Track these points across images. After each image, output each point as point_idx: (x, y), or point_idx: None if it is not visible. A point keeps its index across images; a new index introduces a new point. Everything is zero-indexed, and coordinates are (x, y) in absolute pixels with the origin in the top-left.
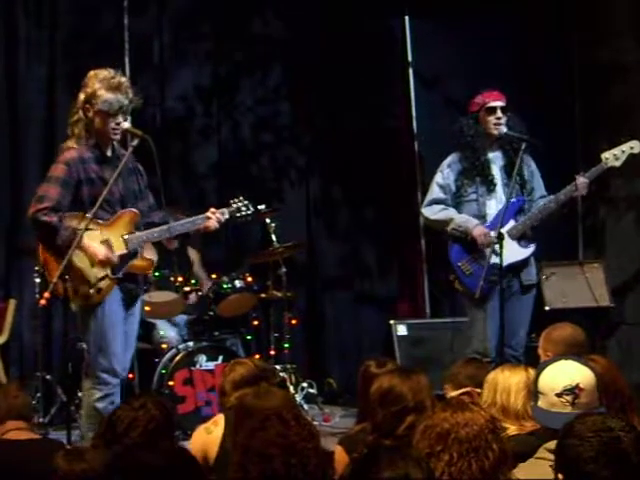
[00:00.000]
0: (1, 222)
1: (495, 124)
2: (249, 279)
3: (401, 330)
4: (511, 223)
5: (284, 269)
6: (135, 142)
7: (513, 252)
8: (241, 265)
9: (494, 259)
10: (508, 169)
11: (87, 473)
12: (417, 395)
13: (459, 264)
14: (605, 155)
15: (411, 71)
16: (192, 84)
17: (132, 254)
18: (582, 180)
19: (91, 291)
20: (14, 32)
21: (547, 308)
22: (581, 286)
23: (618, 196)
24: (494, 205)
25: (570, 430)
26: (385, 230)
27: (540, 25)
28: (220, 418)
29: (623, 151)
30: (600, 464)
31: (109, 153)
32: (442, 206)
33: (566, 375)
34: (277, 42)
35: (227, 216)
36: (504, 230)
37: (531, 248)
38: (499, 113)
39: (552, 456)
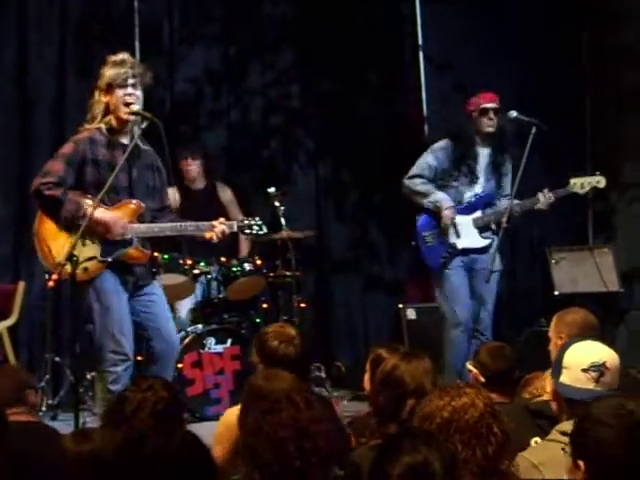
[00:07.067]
0: (10, 204)
1: (487, 125)
2: (258, 262)
3: (410, 314)
4: (478, 213)
5: (293, 252)
6: (144, 124)
7: (472, 238)
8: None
9: (453, 239)
10: (492, 166)
11: (95, 454)
12: (416, 380)
13: (424, 234)
14: (573, 181)
15: (421, 55)
16: (202, 67)
17: (127, 242)
18: (547, 196)
19: (77, 270)
20: (25, 13)
21: (556, 293)
22: (590, 271)
23: (629, 182)
24: (470, 196)
25: (589, 415)
26: (394, 213)
27: (553, 9)
28: None
29: (589, 182)
30: (626, 449)
31: (125, 141)
32: (424, 180)
33: (594, 352)
34: (287, 25)
35: (234, 229)
36: (470, 217)
37: (488, 240)
38: (491, 114)
39: (564, 438)
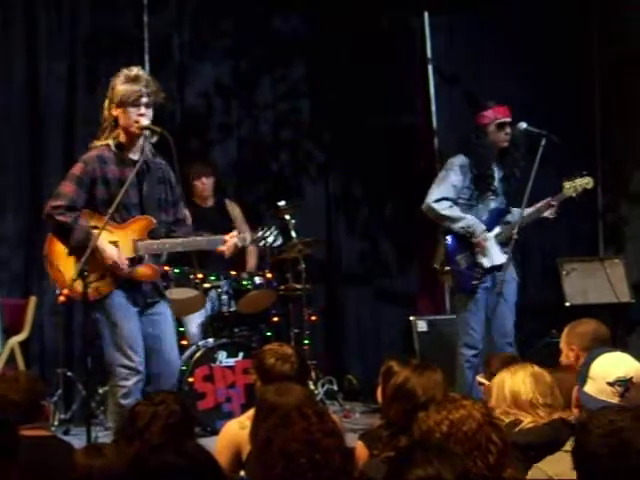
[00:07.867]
0: (21, 219)
1: (504, 139)
2: (269, 276)
3: (421, 326)
4: (497, 229)
5: (303, 265)
6: (154, 139)
7: (496, 256)
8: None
9: (480, 259)
10: (503, 179)
11: (107, 468)
12: (428, 392)
13: (457, 258)
14: (567, 185)
15: (430, 67)
16: (212, 81)
17: (137, 260)
18: (554, 204)
19: (88, 289)
20: (34, 28)
21: (567, 304)
22: (601, 282)
23: (639, 192)
24: (487, 212)
25: (583, 429)
26: (405, 226)
27: (561, 20)
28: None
29: (580, 185)
30: (614, 463)
31: (135, 157)
32: (450, 203)
33: (621, 367)
34: (297, 38)
35: (247, 243)
36: (492, 234)
37: (507, 255)
38: (508, 129)
39: None
